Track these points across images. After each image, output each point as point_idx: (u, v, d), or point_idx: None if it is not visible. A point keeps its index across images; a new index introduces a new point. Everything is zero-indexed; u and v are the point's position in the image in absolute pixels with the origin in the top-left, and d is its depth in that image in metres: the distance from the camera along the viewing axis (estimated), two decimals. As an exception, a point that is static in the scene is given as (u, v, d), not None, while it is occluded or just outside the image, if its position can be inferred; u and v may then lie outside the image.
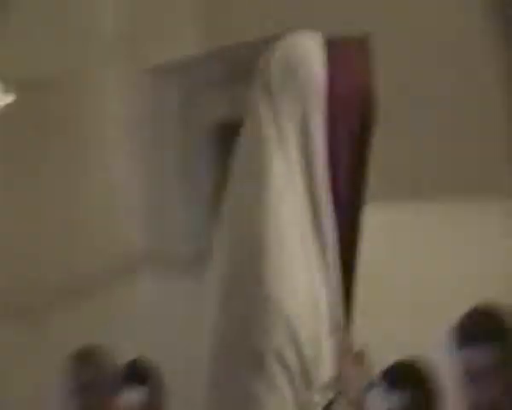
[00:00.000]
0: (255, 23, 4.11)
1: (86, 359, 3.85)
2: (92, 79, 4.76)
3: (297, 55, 1.44)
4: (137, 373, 3.51)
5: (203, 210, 4.40)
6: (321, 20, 3.58)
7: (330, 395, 1.41)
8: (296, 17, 3.84)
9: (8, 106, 4.71)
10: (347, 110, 1.44)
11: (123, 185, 4.75)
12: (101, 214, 4.63)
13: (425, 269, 3.59)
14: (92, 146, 4.81)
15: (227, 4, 4.41)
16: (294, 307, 1.35)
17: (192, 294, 3.37)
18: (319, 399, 1.40)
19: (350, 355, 1.46)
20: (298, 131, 1.41)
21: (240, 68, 3.41)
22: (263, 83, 1.45)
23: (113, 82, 4.67)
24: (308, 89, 1.43)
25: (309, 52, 1.44)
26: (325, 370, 1.40)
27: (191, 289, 3.62)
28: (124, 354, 3.73)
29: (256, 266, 1.37)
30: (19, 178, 4.78)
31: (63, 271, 4.63)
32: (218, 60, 4.15)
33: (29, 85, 4.77)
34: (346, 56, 1.48)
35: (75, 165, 4.95)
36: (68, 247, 4.73)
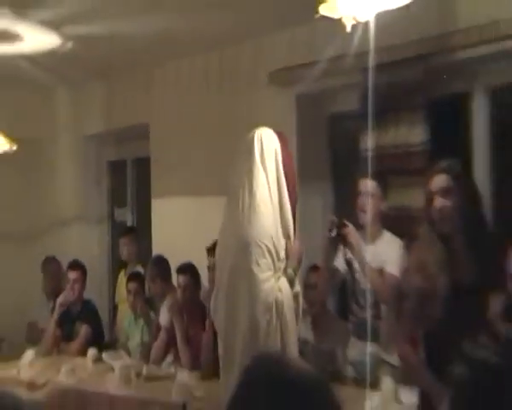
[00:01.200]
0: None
1: None
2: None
3: (272, 140, 3.42)
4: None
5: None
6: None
7: (284, 263, 3.35)
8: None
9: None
10: (291, 168, 3.48)
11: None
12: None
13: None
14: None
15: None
16: (269, 229, 3.27)
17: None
18: (282, 264, 3.32)
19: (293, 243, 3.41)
20: (273, 168, 3.36)
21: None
22: (259, 149, 3.38)
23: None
24: (278, 159, 3.39)
25: (275, 140, 3.43)
26: (283, 251, 3.32)
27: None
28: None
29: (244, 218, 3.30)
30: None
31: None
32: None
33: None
34: (283, 141, 3.48)
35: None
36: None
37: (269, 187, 3.35)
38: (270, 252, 3.29)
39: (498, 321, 2.82)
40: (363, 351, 4.00)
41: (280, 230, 3.36)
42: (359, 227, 3.97)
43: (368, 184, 4.03)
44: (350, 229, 3.90)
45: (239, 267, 3.30)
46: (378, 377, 3.82)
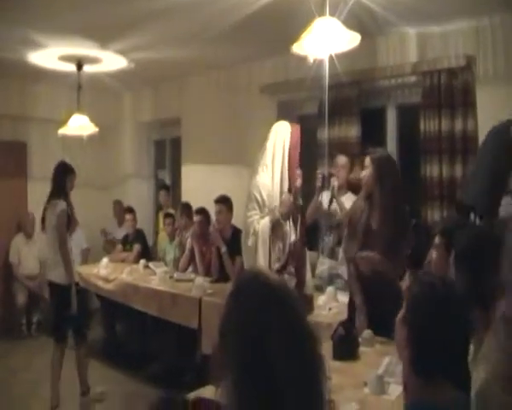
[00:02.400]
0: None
1: None
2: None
3: (284, 131, 3.35)
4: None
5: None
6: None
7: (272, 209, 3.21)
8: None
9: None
10: (295, 147, 3.33)
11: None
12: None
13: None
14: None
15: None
16: (260, 185, 3.24)
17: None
18: (267, 210, 3.23)
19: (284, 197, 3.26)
20: (281, 151, 3.29)
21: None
22: (274, 136, 3.33)
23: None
24: (286, 141, 3.32)
25: (287, 128, 3.36)
26: (273, 202, 3.23)
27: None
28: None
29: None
30: None
31: None
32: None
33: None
34: (294, 133, 3.32)
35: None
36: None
37: (273, 161, 3.27)
38: (257, 200, 3.25)
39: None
40: (325, 267, 3.98)
41: (276, 188, 3.28)
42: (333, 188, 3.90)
43: (342, 160, 3.98)
44: (334, 179, 3.89)
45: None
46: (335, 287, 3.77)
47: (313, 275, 3.82)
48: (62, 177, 3.88)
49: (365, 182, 2.87)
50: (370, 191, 2.85)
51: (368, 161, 2.87)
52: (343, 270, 3.67)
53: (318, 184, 3.94)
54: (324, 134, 4.27)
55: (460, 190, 3.37)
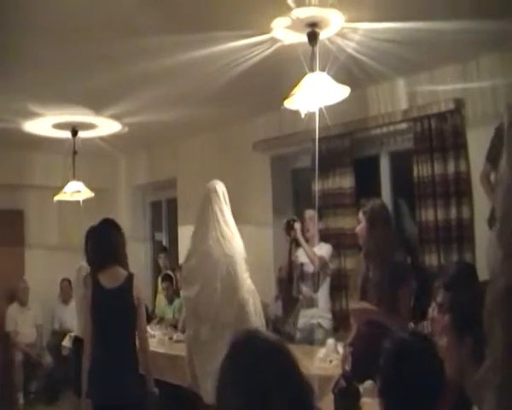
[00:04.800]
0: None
1: None
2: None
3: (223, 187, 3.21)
4: None
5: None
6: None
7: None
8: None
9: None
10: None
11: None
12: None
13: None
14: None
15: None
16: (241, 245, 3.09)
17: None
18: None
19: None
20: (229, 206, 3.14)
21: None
22: (222, 193, 3.17)
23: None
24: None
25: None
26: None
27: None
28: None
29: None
30: None
31: None
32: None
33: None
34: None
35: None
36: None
37: (232, 218, 3.18)
38: (245, 260, 3.11)
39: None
40: (307, 319, 3.98)
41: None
42: (306, 240, 4.00)
43: (310, 213, 4.09)
44: (297, 224, 3.96)
45: (228, 272, 2.98)
46: (315, 339, 3.82)
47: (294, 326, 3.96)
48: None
49: (360, 235, 2.91)
50: (366, 243, 2.89)
51: (360, 214, 2.92)
52: (324, 318, 3.85)
53: (287, 235, 4.04)
54: (316, 186, 4.27)
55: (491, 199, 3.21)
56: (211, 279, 3.00)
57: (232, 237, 3.09)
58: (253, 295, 3.07)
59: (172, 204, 6.27)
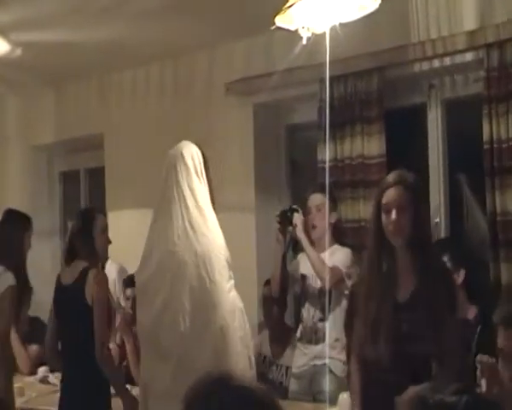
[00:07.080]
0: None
1: None
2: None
3: (198, 153, 3.23)
4: None
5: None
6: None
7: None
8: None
9: None
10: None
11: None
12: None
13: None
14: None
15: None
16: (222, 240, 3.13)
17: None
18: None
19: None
20: (206, 181, 3.20)
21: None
22: (193, 164, 3.17)
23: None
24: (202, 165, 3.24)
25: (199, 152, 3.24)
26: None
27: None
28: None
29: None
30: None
31: None
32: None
33: None
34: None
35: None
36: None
37: (211, 199, 3.20)
38: (228, 262, 3.12)
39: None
40: (309, 360, 4.02)
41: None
42: (312, 242, 3.97)
43: (317, 199, 4.03)
44: (298, 217, 3.95)
45: (201, 282, 3.03)
46: (321, 391, 3.85)
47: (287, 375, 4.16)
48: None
49: (395, 229, 2.86)
50: (399, 245, 2.90)
51: (397, 193, 2.87)
52: (335, 360, 3.89)
53: (281, 233, 4.07)
54: (326, 153, 4.27)
55: None
56: (175, 295, 3.04)
57: (207, 229, 3.11)
58: (240, 317, 3.11)
59: (96, 176, 6.31)
